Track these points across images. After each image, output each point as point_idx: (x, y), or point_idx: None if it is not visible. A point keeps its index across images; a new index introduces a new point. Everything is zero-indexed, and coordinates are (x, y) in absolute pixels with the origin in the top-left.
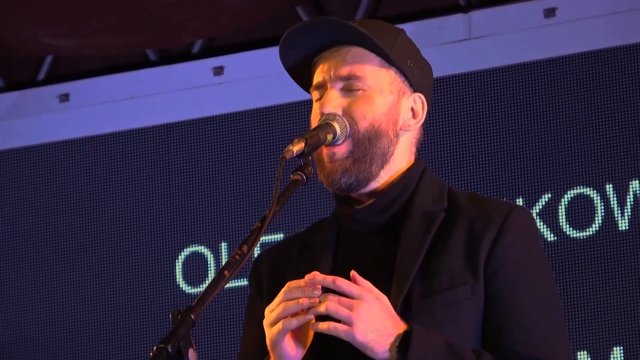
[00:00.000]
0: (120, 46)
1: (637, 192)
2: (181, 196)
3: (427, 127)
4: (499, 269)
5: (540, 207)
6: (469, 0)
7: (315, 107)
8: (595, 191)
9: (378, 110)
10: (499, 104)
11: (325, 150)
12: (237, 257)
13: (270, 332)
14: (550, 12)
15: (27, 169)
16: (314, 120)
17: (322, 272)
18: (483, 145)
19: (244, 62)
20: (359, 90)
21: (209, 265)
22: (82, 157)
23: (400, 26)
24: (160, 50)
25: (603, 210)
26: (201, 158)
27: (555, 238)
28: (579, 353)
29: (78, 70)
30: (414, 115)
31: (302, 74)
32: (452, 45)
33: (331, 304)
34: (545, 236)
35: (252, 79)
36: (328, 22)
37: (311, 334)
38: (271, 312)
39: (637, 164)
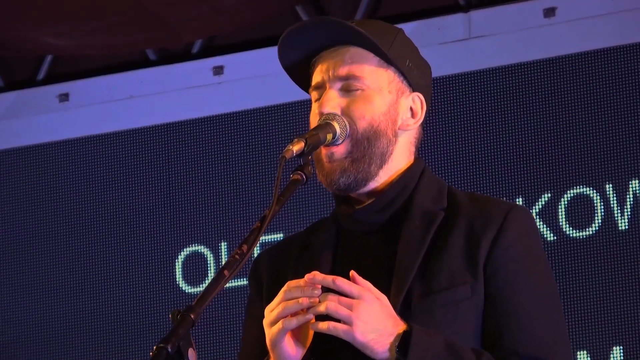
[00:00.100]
0: (120, 46)
1: (637, 191)
2: (181, 196)
3: (426, 126)
4: (498, 269)
5: (540, 206)
6: (469, 0)
7: (314, 107)
8: (595, 191)
9: (377, 110)
10: (499, 103)
11: (324, 151)
12: (236, 256)
13: (270, 332)
14: (549, 12)
15: (27, 169)
16: (313, 120)
17: (321, 271)
18: (483, 145)
19: (243, 61)
20: (357, 90)
21: (208, 265)
22: (81, 157)
23: (399, 26)
24: (160, 50)
25: (603, 210)
26: (201, 158)
27: (555, 238)
28: (578, 352)
29: (78, 70)
30: (413, 115)
31: (301, 74)
32: (451, 45)
33: (331, 304)
34: (545, 236)
35: (252, 79)
36: (327, 22)
37: (311, 333)
38: (271, 311)
39: (637, 163)
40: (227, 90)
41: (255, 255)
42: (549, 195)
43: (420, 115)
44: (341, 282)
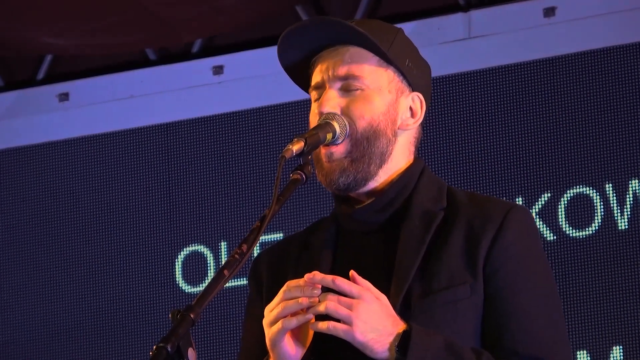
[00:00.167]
0: (120, 45)
1: (637, 191)
2: (181, 195)
3: (426, 126)
4: (498, 269)
5: (540, 206)
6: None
7: (314, 107)
8: (594, 190)
9: (376, 109)
10: (499, 103)
11: (323, 150)
12: (236, 256)
13: (269, 332)
14: (549, 12)
15: (27, 169)
16: (313, 120)
17: (321, 271)
18: (482, 145)
19: (243, 61)
20: (357, 89)
21: (208, 265)
22: (81, 157)
23: (399, 25)
24: (159, 50)
25: (603, 210)
26: (201, 157)
27: (555, 237)
28: (578, 352)
29: (77, 69)
30: (413, 115)
31: (300, 74)
32: (451, 45)
33: (331, 304)
34: (545, 235)
35: (252, 79)
36: (326, 22)
37: (311, 333)
38: (271, 311)
39: (637, 163)
40: (227, 90)
41: (255, 255)
42: (549, 195)
43: (420, 115)
44: (341, 282)
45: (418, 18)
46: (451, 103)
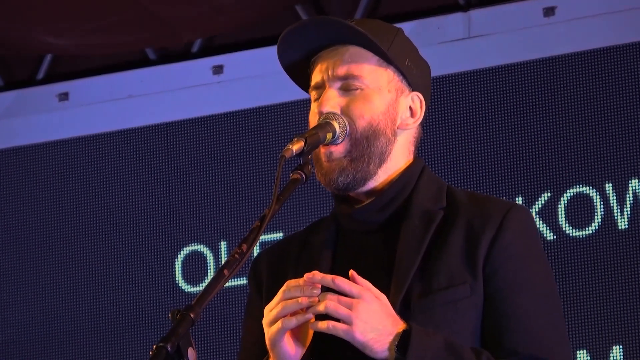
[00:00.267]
0: (119, 45)
1: (637, 191)
2: (180, 195)
3: (426, 126)
4: (498, 269)
5: (540, 206)
6: None
7: (314, 106)
8: (594, 190)
9: (376, 109)
10: (499, 103)
11: (322, 150)
12: (236, 256)
13: (269, 331)
14: (549, 11)
15: (26, 168)
16: (313, 119)
17: (321, 271)
18: (482, 145)
19: (243, 61)
20: (357, 89)
21: (208, 264)
22: (81, 157)
23: (399, 25)
24: (159, 50)
25: (602, 209)
26: (201, 157)
27: (555, 237)
28: (578, 352)
29: (77, 69)
30: (412, 114)
31: (300, 74)
32: (451, 44)
33: (330, 303)
34: (545, 235)
35: (252, 78)
36: (326, 22)
37: (311, 333)
38: (270, 311)
39: (637, 163)
40: (226, 90)
41: (255, 254)
42: (549, 194)
43: (420, 114)
44: (341, 282)
45: (418, 18)
46: (451, 103)
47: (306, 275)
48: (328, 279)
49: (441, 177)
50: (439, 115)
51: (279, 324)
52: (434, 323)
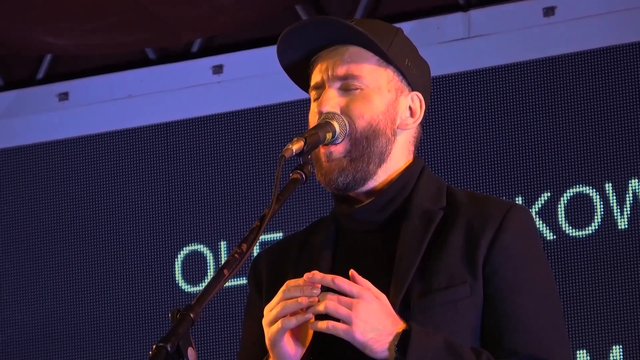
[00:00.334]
0: (119, 45)
1: (637, 190)
2: (180, 195)
3: (426, 126)
4: (497, 269)
5: (540, 206)
6: None
7: (313, 106)
8: (594, 190)
9: (376, 109)
10: (498, 103)
11: (322, 150)
12: (236, 255)
13: (269, 331)
14: (549, 11)
15: (26, 168)
16: (312, 119)
17: (321, 271)
18: (482, 144)
19: (243, 60)
20: (356, 89)
21: (208, 264)
22: (81, 156)
23: (399, 25)
24: (159, 49)
25: (602, 209)
26: (200, 157)
27: (555, 237)
28: (578, 352)
29: (77, 69)
30: (412, 114)
31: (300, 74)
32: (451, 44)
33: (330, 303)
34: (545, 235)
35: (252, 78)
36: (326, 22)
37: (310, 333)
38: (270, 311)
39: (637, 162)
40: (226, 90)
41: (255, 254)
42: (549, 194)
43: (419, 114)
44: (340, 282)
45: (417, 17)
46: (451, 103)
47: (306, 275)
48: (328, 278)
49: (441, 177)
50: (439, 115)
51: (278, 324)
52: (433, 323)
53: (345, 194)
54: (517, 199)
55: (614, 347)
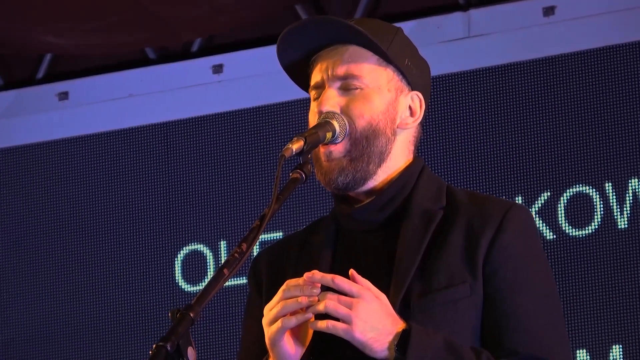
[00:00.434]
0: (119, 45)
1: (637, 190)
2: (180, 194)
3: (425, 125)
4: (497, 269)
5: (540, 205)
6: None
7: (313, 106)
8: (594, 189)
9: (376, 108)
10: (498, 102)
11: (322, 149)
12: (236, 255)
13: (269, 331)
14: (549, 11)
15: (26, 168)
16: (312, 119)
17: (321, 270)
18: (482, 144)
19: (243, 60)
20: (356, 89)
21: (208, 264)
22: (81, 156)
23: (399, 24)
24: (159, 49)
25: (602, 209)
26: (200, 156)
27: (555, 237)
28: (578, 351)
29: (77, 68)
30: (412, 114)
31: (300, 73)
32: (451, 44)
33: (330, 303)
34: (545, 235)
35: (252, 77)
36: (326, 21)
37: (310, 332)
38: (270, 310)
39: (637, 162)
40: (226, 89)
41: (255, 254)
42: (549, 194)
43: (419, 114)
44: (340, 281)
45: (417, 17)
46: (451, 102)
47: (306, 274)
48: (328, 278)
49: (441, 176)
50: (439, 114)
51: (278, 324)
52: (433, 322)
53: (345, 193)
54: (517, 198)
55: (614, 346)
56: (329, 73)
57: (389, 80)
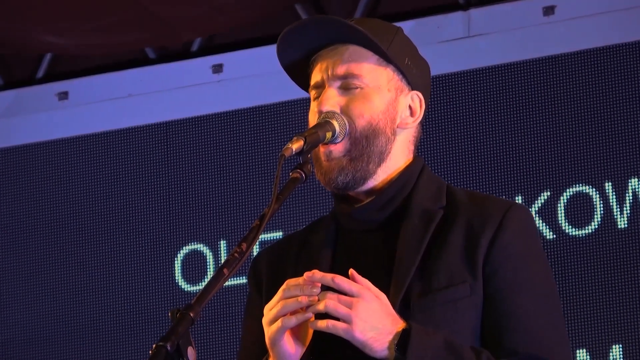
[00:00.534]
0: (119, 45)
1: (636, 190)
2: (180, 194)
3: (425, 125)
4: (498, 269)
5: (540, 205)
6: None
7: (313, 105)
8: (594, 189)
9: (376, 108)
10: (498, 102)
11: (322, 149)
12: (236, 255)
13: (269, 330)
14: (549, 10)
15: (26, 167)
16: (312, 119)
17: (321, 270)
18: (482, 144)
19: (243, 60)
20: (356, 88)
21: (208, 264)
22: (81, 155)
23: (399, 24)
24: (159, 49)
25: (602, 209)
26: (200, 156)
27: (555, 236)
28: (578, 351)
29: (77, 68)
30: (412, 114)
31: (300, 73)
32: (451, 43)
33: (330, 302)
34: (545, 234)
35: (251, 77)
36: (326, 21)
37: (310, 332)
38: (270, 310)
39: (636, 162)
40: (226, 89)
41: (255, 253)
42: (549, 193)
43: (419, 113)
44: (340, 281)
45: (417, 17)
46: (451, 102)
47: (306, 274)
48: (328, 277)
49: (441, 176)
50: (439, 114)
51: (278, 323)
52: (433, 322)
53: (345, 193)
54: (517, 198)
55: (613, 346)
56: (329, 73)
57: (389, 79)
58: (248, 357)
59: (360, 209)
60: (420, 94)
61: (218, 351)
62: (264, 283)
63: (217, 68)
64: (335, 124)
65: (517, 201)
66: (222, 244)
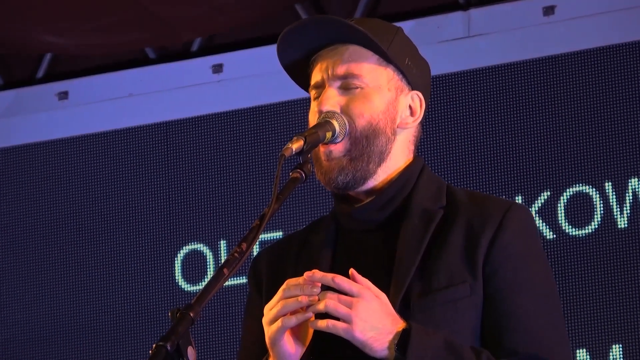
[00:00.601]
0: (119, 45)
1: (637, 190)
2: (180, 194)
3: (425, 125)
4: (498, 269)
5: (540, 205)
6: None
7: (314, 105)
8: (594, 189)
9: (376, 108)
10: (498, 102)
11: (322, 149)
12: (236, 254)
13: (269, 330)
14: (549, 10)
15: (26, 167)
16: (312, 119)
17: (321, 270)
18: (482, 144)
19: (243, 60)
20: (356, 88)
21: (208, 264)
22: (81, 155)
23: (399, 24)
24: (159, 48)
25: (602, 208)
26: (200, 156)
27: (555, 236)
28: (578, 351)
29: (77, 68)
30: (412, 113)
31: (300, 73)
32: (451, 43)
33: (330, 302)
34: (545, 234)
35: (251, 77)
36: (326, 21)
37: (310, 331)
38: (270, 310)
39: (636, 161)
40: (226, 89)
41: (255, 253)
42: (549, 193)
43: (419, 113)
44: (340, 280)
45: (417, 17)
46: (451, 102)
47: (306, 273)
48: (328, 277)
49: (441, 176)
50: (439, 114)
51: (278, 323)
52: (433, 322)
53: (345, 193)
54: (517, 198)
55: (613, 346)
56: (329, 72)
57: (389, 79)
58: (248, 357)
59: (360, 209)
60: (420, 94)
61: (218, 351)
62: (264, 283)
63: (217, 68)
64: (335, 123)
65: (517, 201)
66: (222, 244)
